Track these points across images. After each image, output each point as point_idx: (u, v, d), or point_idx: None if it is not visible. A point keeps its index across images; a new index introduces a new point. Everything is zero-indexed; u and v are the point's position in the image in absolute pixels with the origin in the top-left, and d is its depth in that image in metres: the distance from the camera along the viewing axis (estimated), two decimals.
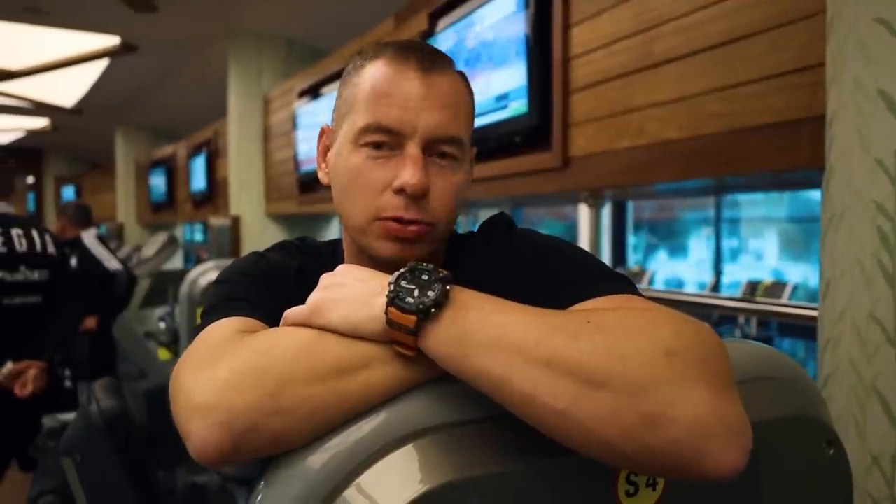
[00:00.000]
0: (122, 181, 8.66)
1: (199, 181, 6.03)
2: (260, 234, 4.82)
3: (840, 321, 1.23)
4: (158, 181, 7.36)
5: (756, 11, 1.45)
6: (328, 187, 0.75)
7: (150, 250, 5.57)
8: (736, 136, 1.51)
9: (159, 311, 4.25)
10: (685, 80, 1.62)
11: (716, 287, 5.81)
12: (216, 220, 5.19)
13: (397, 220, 0.67)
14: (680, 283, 7.03)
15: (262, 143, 4.86)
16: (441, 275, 0.55)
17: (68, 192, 11.23)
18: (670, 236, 7.49)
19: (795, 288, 4.48)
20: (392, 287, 0.55)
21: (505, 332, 0.51)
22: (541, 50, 2.09)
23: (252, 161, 4.86)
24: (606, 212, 4.32)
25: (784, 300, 3.94)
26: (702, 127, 1.58)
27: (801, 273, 6.14)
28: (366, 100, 0.68)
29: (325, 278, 0.61)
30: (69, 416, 1.86)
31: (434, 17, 2.70)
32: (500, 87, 2.27)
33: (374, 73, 0.69)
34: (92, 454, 1.30)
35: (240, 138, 4.87)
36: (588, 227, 2.32)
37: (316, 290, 0.60)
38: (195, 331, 0.64)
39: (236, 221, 4.85)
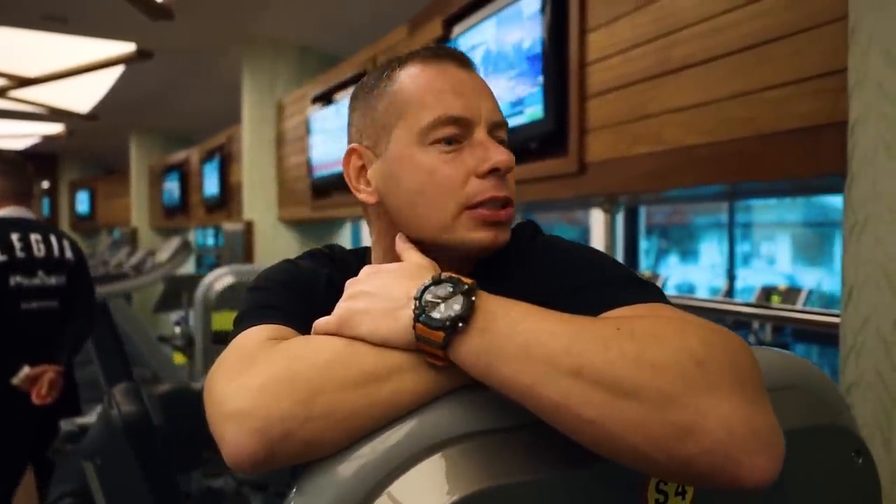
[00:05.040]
0: (136, 186, 8.71)
1: (212, 186, 6.06)
2: (273, 239, 4.83)
3: (863, 329, 1.22)
4: (172, 186, 7.41)
5: (777, 17, 1.45)
6: (360, 198, 0.75)
7: (163, 255, 5.61)
8: (757, 141, 1.50)
9: (174, 315, 4.27)
10: (705, 85, 1.62)
11: (729, 293, 5.76)
12: (230, 226, 5.21)
13: (489, 205, 0.69)
14: (691, 288, 6.98)
15: (276, 149, 4.88)
16: (466, 286, 0.54)
17: (82, 197, 11.31)
18: (681, 241, 7.46)
19: (810, 293, 4.45)
20: (417, 302, 0.55)
21: (532, 341, 0.51)
22: (557, 55, 2.09)
23: (265, 166, 4.88)
24: (619, 217, 4.29)
25: (802, 306, 3.91)
26: (722, 133, 1.57)
27: (815, 278, 6.09)
28: (421, 100, 0.69)
29: (350, 286, 0.61)
30: (88, 419, 1.87)
31: (449, 24, 2.70)
32: (515, 93, 2.28)
33: (416, 74, 0.71)
34: (112, 457, 1.31)
35: (253, 144, 4.89)
36: (603, 233, 2.31)
37: (342, 298, 0.60)
38: (228, 337, 0.64)
39: (250, 226, 4.87)
